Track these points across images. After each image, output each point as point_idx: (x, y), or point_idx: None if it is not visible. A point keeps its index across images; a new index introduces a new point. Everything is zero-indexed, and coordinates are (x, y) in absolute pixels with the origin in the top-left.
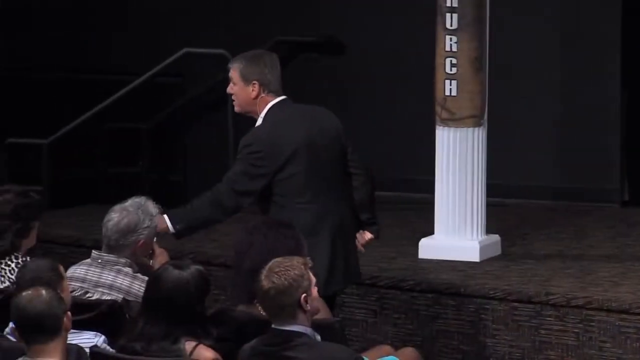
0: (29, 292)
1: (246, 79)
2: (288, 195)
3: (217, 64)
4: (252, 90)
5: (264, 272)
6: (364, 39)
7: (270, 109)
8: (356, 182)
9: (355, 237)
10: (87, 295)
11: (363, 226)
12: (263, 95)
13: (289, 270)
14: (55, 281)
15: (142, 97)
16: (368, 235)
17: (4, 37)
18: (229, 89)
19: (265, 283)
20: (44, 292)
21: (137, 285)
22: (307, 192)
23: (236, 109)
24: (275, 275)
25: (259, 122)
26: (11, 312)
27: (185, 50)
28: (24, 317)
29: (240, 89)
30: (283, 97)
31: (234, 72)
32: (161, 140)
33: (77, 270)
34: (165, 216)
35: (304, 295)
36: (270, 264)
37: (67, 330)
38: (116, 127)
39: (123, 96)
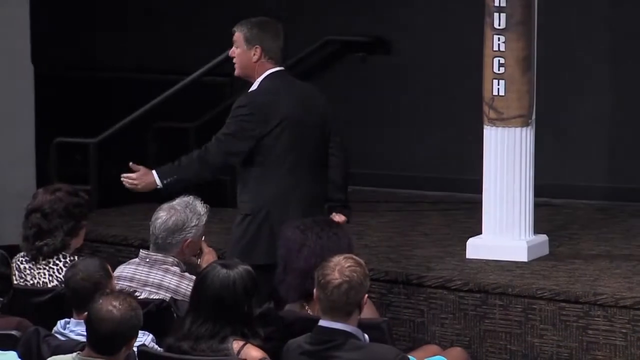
0: (105, 307)
1: (250, 42)
2: (266, 163)
3: None
4: (254, 54)
5: (331, 266)
6: (412, 38)
7: (267, 75)
8: (332, 162)
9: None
10: (135, 295)
11: (336, 208)
12: (263, 60)
13: (359, 268)
14: (104, 281)
15: (190, 96)
16: (342, 218)
17: (51, 38)
18: (231, 52)
19: (336, 276)
20: (117, 313)
21: (185, 285)
22: (285, 163)
23: (236, 72)
24: (347, 270)
25: (254, 86)
26: (87, 320)
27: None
28: (92, 331)
29: (243, 52)
30: (281, 67)
31: (239, 35)
32: (209, 139)
33: (125, 270)
34: (154, 171)
35: (366, 295)
36: (336, 259)
37: (129, 349)
38: (164, 127)
39: (171, 95)
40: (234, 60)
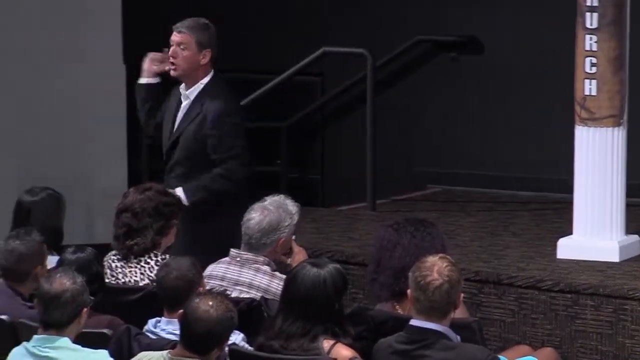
0: (201, 307)
1: (201, 46)
2: None
3: (357, 63)
4: (203, 57)
5: (429, 267)
6: (503, 38)
7: (215, 79)
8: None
9: None
10: (227, 294)
11: None
12: (208, 63)
13: (455, 267)
14: (197, 280)
15: (280, 96)
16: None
17: (143, 39)
18: (174, 53)
19: (436, 277)
20: (213, 314)
21: (276, 284)
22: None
23: (175, 73)
24: (446, 270)
25: (199, 87)
26: (182, 318)
27: (323, 49)
28: (186, 331)
29: (193, 54)
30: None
31: (188, 37)
32: (299, 139)
33: (216, 269)
34: (180, 189)
35: (461, 295)
36: (431, 259)
37: (221, 350)
38: (255, 126)
39: (262, 95)
40: (176, 62)
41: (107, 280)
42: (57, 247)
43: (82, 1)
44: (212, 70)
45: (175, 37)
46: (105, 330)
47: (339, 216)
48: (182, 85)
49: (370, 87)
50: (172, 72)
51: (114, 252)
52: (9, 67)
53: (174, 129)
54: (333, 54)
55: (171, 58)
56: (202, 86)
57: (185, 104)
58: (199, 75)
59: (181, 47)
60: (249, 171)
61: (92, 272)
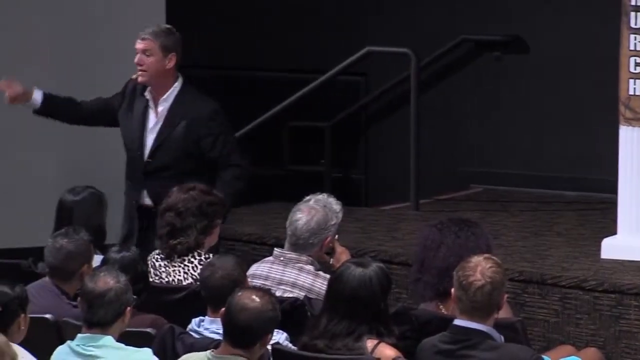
0: (245, 300)
1: (166, 50)
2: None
3: (400, 63)
4: (169, 62)
5: (472, 267)
6: (547, 37)
7: (186, 83)
8: None
9: None
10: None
11: None
12: (174, 67)
13: (499, 268)
14: (242, 279)
15: (324, 95)
16: None
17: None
18: (139, 60)
19: (478, 277)
20: (257, 306)
21: (320, 283)
22: None
23: (143, 79)
24: (489, 271)
25: (172, 92)
26: (225, 311)
27: (367, 48)
28: (229, 322)
29: (158, 60)
30: None
31: (152, 43)
32: (343, 138)
33: (259, 268)
34: None
35: (505, 295)
36: (475, 259)
37: (264, 345)
38: (299, 126)
39: (306, 94)
40: (142, 69)
41: (150, 280)
42: (99, 246)
43: (129, 4)
44: (179, 75)
45: (139, 44)
46: (148, 330)
47: (382, 216)
48: (147, 93)
49: (415, 87)
50: (139, 79)
51: (157, 251)
52: (55, 66)
53: (153, 136)
54: (377, 54)
55: (138, 66)
56: (176, 91)
57: (161, 109)
58: (169, 81)
59: (146, 53)
60: (249, 158)
61: (136, 271)
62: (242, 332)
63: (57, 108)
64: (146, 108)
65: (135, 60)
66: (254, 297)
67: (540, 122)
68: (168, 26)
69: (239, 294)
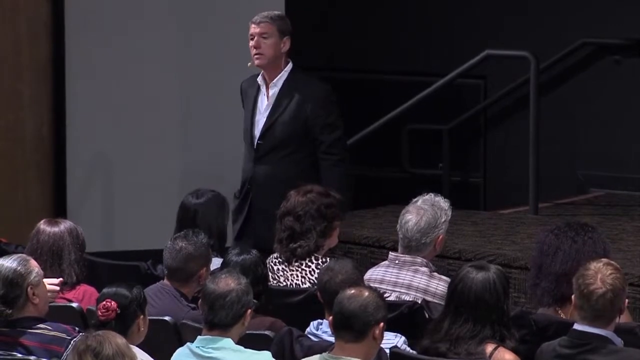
0: (353, 290)
1: (282, 33)
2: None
3: (519, 66)
4: (283, 45)
5: (592, 274)
6: None
7: (295, 66)
8: None
9: None
10: (385, 296)
11: None
12: (288, 52)
13: (619, 274)
14: (360, 282)
15: (443, 98)
16: None
17: (305, 37)
18: (257, 43)
19: (599, 285)
20: (366, 294)
21: (435, 284)
22: None
23: (260, 62)
24: (610, 278)
25: (283, 75)
26: (334, 303)
27: (487, 52)
28: (338, 311)
29: (275, 43)
30: None
31: (270, 26)
32: (462, 141)
33: (375, 272)
34: None
35: (626, 300)
36: (595, 265)
37: (376, 340)
38: (417, 129)
39: (425, 97)
40: (260, 52)
41: (269, 283)
42: (221, 249)
43: (249, 5)
44: (290, 60)
45: (255, 29)
46: (267, 332)
47: (501, 219)
48: (260, 78)
49: (534, 90)
50: (256, 62)
51: (275, 254)
52: (171, 69)
53: (264, 118)
54: (496, 57)
55: (254, 49)
56: (286, 74)
57: (272, 92)
58: (282, 64)
59: (264, 36)
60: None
61: (257, 274)
62: (349, 321)
63: None
64: (258, 92)
65: (252, 44)
66: (361, 290)
67: None
68: (280, 12)
69: (346, 290)
